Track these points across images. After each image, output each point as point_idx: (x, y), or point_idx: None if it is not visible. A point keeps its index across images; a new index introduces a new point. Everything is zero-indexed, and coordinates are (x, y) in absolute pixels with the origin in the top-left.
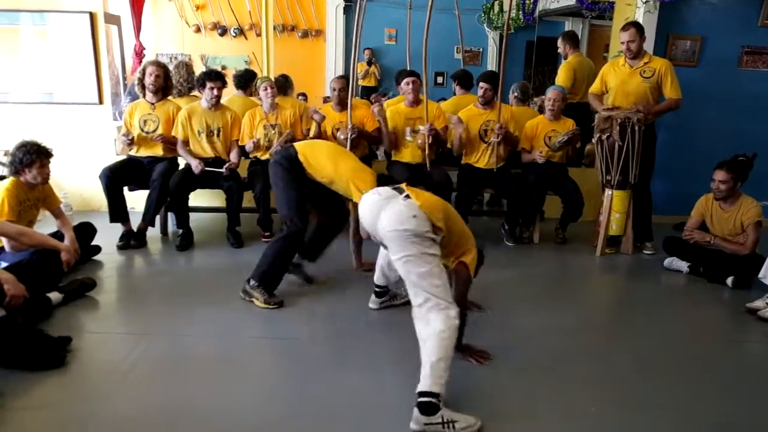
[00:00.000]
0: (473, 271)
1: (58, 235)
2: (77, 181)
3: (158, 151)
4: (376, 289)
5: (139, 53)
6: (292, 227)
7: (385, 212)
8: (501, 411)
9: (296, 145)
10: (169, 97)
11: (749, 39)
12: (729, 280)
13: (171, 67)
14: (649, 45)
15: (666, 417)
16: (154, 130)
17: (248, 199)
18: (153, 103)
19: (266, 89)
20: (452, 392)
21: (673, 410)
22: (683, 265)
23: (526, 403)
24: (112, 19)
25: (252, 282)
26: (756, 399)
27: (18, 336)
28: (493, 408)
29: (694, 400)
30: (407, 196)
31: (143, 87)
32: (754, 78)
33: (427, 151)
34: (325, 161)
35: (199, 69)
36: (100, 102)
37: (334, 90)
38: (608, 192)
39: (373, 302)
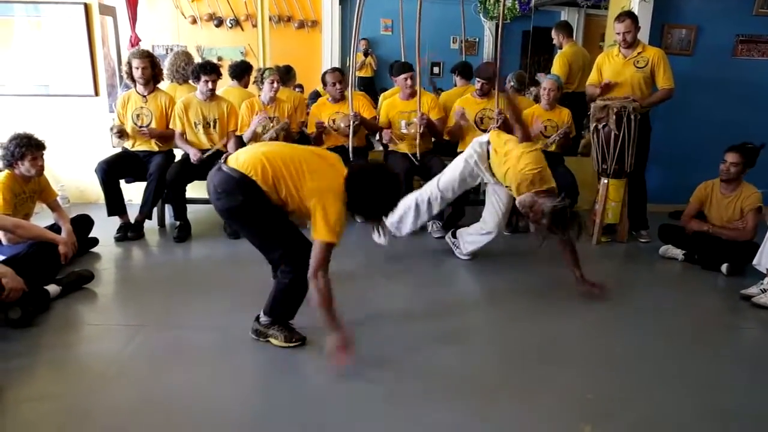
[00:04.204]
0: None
1: (55, 228)
2: (74, 173)
3: (154, 145)
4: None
5: (135, 45)
6: (295, 269)
7: None
8: (492, 395)
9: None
10: (160, 85)
11: (744, 28)
12: (723, 267)
13: (169, 56)
14: (644, 34)
15: (663, 403)
16: (148, 125)
17: None
18: (145, 96)
19: (272, 83)
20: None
21: (670, 396)
22: (678, 253)
23: (523, 387)
24: (107, 11)
25: (264, 319)
26: (752, 385)
27: None
28: (486, 392)
29: (691, 386)
30: None
31: (133, 79)
32: (749, 67)
33: (417, 141)
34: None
35: (195, 60)
36: (96, 94)
37: (334, 84)
38: (604, 181)
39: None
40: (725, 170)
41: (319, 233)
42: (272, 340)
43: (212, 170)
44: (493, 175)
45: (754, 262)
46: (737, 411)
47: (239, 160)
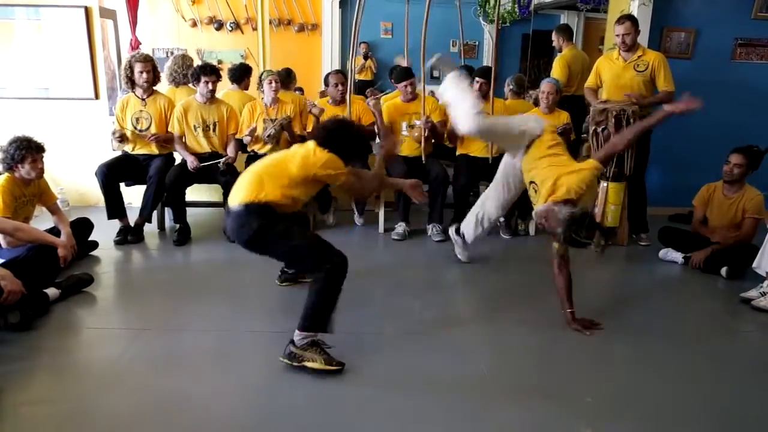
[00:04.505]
0: None
1: (54, 231)
2: (74, 176)
3: (154, 149)
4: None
5: (135, 48)
6: (333, 267)
7: None
8: (500, 394)
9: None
10: (159, 88)
11: (742, 31)
12: (723, 271)
13: (169, 60)
14: (643, 38)
15: (663, 405)
16: (147, 128)
17: None
18: (143, 99)
19: (271, 83)
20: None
21: (670, 399)
22: (678, 256)
23: (519, 391)
24: (108, 14)
25: (299, 338)
26: (751, 386)
27: None
28: (485, 396)
29: (691, 388)
30: None
31: (132, 83)
32: (748, 70)
33: (422, 144)
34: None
35: (195, 63)
36: (96, 97)
37: (336, 86)
38: (603, 184)
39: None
40: (729, 171)
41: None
42: (308, 364)
43: (227, 220)
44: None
45: (754, 265)
46: (738, 413)
47: (235, 197)
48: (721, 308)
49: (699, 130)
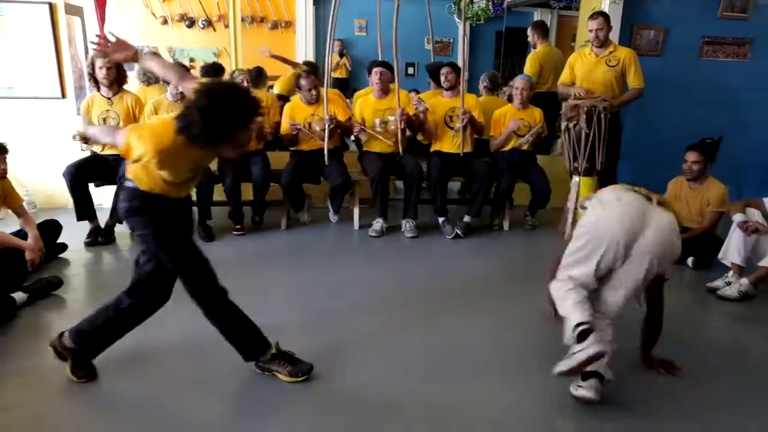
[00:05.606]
0: None
1: (21, 234)
2: (40, 178)
3: None
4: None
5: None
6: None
7: (655, 224)
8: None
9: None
10: (128, 87)
11: (709, 29)
12: (690, 261)
13: None
14: (614, 35)
15: (637, 391)
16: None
17: (219, 193)
18: (110, 98)
19: (242, 83)
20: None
21: (640, 386)
22: None
23: (503, 388)
24: (74, 10)
25: (257, 362)
26: (718, 374)
27: None
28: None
29: (659, 376)
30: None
31: (96, 81)
32: (714, 67)
33: (399, 137)
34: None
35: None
36: (63, 96)
37: (309, 90)
38: (576, 179)
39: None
40: (688, 170)
41: None
42: (278, 376)
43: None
44: None
45: (720, 255)
46: (704, 399)
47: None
48: (688, 297)
49: (668, 124)
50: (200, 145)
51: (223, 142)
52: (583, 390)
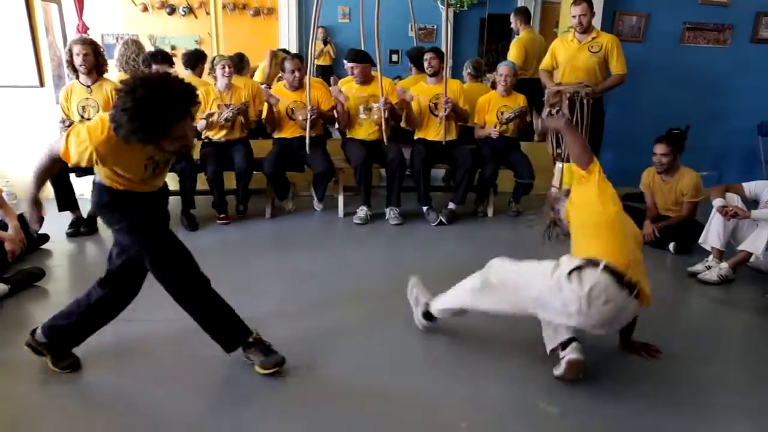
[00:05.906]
0: None
1: (1, 226)
2: (20, 167)
3: None
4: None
5: (83, 33)
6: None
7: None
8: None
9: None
10: (108, 76)
11: (691, 15)
12: (671, 246)
13: (119, 45)
14: (596, 21)
15: (620, 375)
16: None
17: (202, 182)
18: (89, 86)
19: (223, 68)
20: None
21: (622, 369)
22: None
23: (487, 378)
24: None
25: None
26: (700, 356)
27: None
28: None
29: (641, 359)
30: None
31: (74, 69)
32: (695, 53)
33: (383, 126)
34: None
35: (146, 50)
36: (41, 84)
37: (293, 72)
38: (559, 165)
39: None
40: (658, 162)
41: None
42: (257, 368)
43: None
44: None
45: (700, 240)
46: (687, 381)
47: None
48: (670, 281)
49: (650, 111)
50: (136, 144)
51: (160, 138)
52: (569, 355)
